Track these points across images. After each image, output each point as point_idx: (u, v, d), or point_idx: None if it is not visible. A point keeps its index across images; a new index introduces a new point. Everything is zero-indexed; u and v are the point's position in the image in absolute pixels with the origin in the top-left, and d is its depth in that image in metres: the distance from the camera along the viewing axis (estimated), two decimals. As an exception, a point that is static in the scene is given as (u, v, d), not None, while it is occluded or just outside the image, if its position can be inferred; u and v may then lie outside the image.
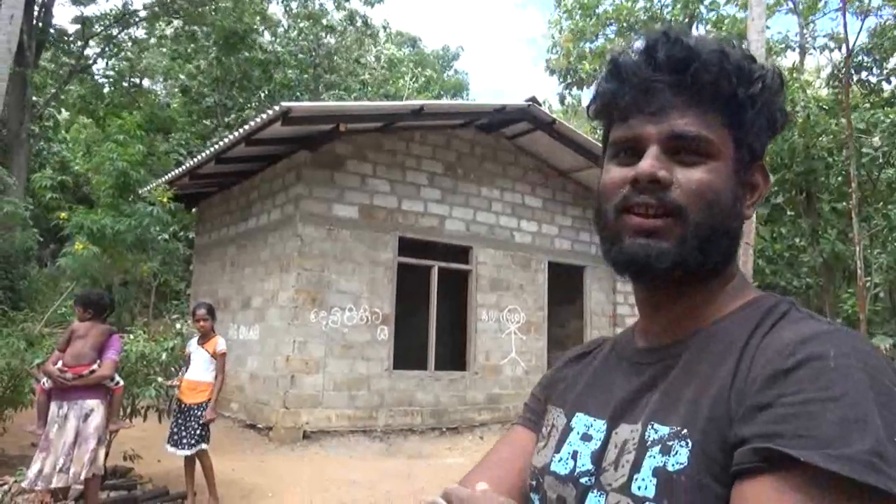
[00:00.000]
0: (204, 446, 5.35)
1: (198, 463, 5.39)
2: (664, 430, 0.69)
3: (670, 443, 0.67)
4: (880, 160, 14.46)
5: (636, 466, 0.69)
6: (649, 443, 0.70)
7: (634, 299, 0.86)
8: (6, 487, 5.09)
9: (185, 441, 5.29)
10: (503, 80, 70.14)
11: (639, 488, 0.68)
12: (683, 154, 0.74)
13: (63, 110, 20.42)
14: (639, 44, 0.78)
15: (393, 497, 6.07)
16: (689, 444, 0.66)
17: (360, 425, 8.77)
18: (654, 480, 0.67)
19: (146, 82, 22.83)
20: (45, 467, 4.46)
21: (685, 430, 0.67)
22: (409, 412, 9.22)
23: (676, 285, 0.77)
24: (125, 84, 20.70)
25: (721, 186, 0.74)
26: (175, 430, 5.36)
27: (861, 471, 0.54)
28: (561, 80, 19.41)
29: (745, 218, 0.80)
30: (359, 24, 22.87)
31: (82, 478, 4.54)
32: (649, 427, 0.71)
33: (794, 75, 18.10)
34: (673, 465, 0.66)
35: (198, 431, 5.30)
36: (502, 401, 10.04)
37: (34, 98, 16.64)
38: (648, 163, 0.73)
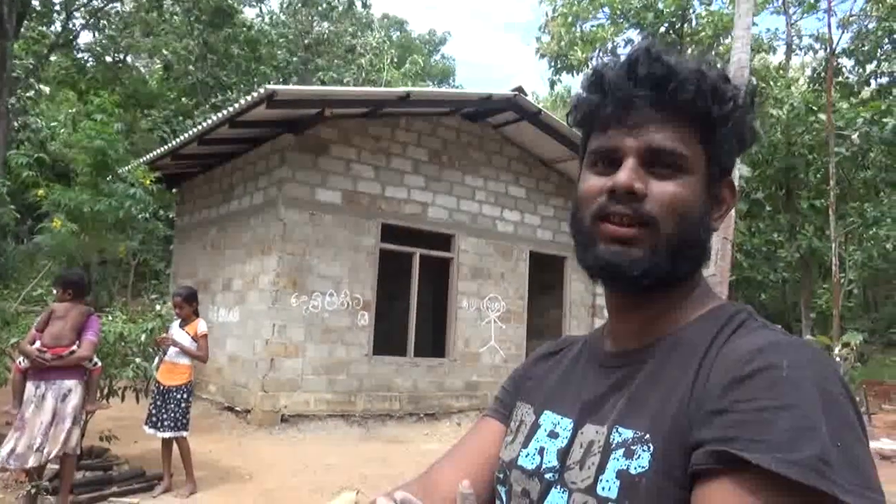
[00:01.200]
0: (184, 433, 5.36)
1: (175, 445, 5.40)
2: (628, 434, 0.72)
3: (634, 447, 0.71)
4: (860, 159, 14.68)
5: (601, 468, 0.73)
6: (614, 445, 0.73)
7: (605, 303, 0.90)
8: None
9: (163, 423, 5.30)
10: (492, 66, 69.93)
11: (603, 489, 0.71)
12: (659, 167, 0.77)
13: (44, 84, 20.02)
14: (622, 58, 0.81)
15: (369, 480, 6.13)
16: (651, 449, 0.69)
17: (339, 410, 8.81)
18: (618, 482, 0.70)
19: (129, 58, 22.45)
20: (18, 447, 4.45)
21: (647, 435, 0.70)
22: (388, 398, 9.28)
23: (646, 292, 0.80)
24: (108, 59, 20.32)
25: (692, 200, 0.78)
26: (153, 411, 5.36)
27: (807, 475, 0.58)
28: (551, 65, 19.28)
29: (713, 230, 0.83)
30: (359, 8, 22.58)
31: (53, 455, 4.55)
32: (615, 430, 0.74)
33: (780, 73, 18.26)
34: (635, 468, 0.69)
35: (178, 417, 5.31)
36: (480, 388, 10.13)
37: (14, 61, 16.23)
38: (626, 174, 0.76)
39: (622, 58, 0.81)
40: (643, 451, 0.70)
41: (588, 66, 18.28)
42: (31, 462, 4.50)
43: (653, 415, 0.72)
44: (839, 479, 0.58)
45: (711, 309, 0.81)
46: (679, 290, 0.82)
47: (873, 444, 9.09)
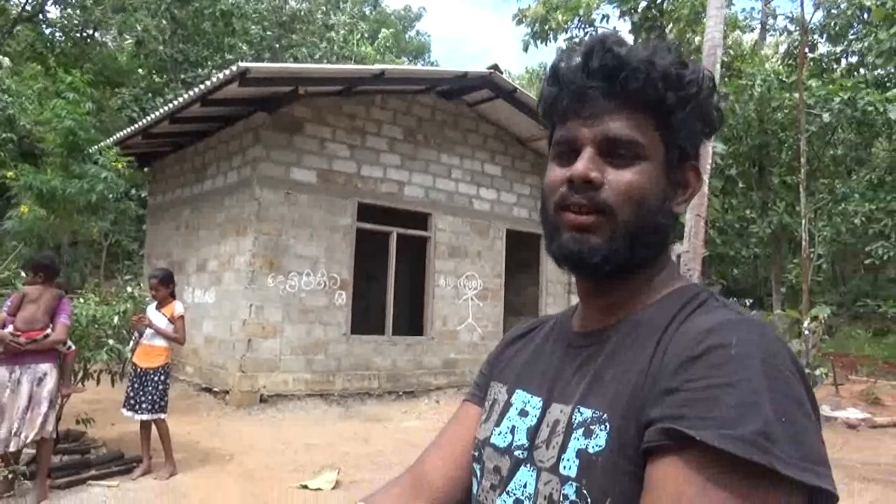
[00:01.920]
0: (162, 415, 5.34)
1: (154, 427, 5.39)
2: (588, 414, 0.75)
3: (592, 426, 0.74)
4: (829, 137, 14.87)
5: (563, 448, 0.76)
6: (575, 425, 0.76)
7: (575, 286, 0.93)
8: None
9: (141, 405, 5.28)
10: (467, 41, 69.35)
11: (564, 468, 0.74)
12: (615, 156, 0.80)
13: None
14: (578, 51, 0.83)
15: (350, 459, 6.18)
16: (608, 428, 0.72)
17: (318, 389, 8.84)
18: (577, 462, 0.73)
19: (97, 34, 21.84)
20: (1, 432, 4.43)
21: (605, 415, 0.73)
22: (367, 376, 9.33)
23: (609, 277, 0.83)
24: (77, 35, 19.75)
25: (649, 187, 0.80)
26: (131, 393, 5.33)
27: (749, 450, 0.60)
28: (528, 27, 19.00)
29: (676, 214, 0.86)
30: None
31: (29, 440, 4.53)
32: (576, 410, 0.77)
33: (755, 50, 18.37)
34: (593, 447, 0.72)
35: (156, 399, 5.29)
36: (458, 365, 10.22)
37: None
38: (582, 164, 0.79)
39: (579, 50, 0.83)
40: (601, 430, 0.72)
41: (565, 33, 18.31)
42: (12, 447, 4.48)
43: (612, 394, 0.74)
44: (781, 453, 0.60)
45: (674, 290, 0.83)
46: (642, 274, 0.84)
47: (840, 414, 9.36)
